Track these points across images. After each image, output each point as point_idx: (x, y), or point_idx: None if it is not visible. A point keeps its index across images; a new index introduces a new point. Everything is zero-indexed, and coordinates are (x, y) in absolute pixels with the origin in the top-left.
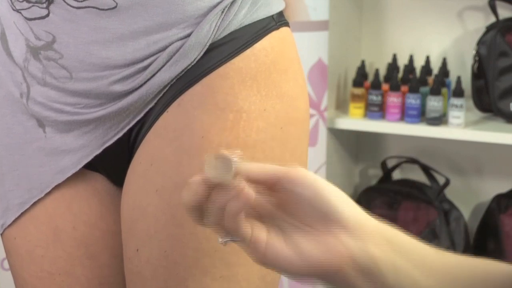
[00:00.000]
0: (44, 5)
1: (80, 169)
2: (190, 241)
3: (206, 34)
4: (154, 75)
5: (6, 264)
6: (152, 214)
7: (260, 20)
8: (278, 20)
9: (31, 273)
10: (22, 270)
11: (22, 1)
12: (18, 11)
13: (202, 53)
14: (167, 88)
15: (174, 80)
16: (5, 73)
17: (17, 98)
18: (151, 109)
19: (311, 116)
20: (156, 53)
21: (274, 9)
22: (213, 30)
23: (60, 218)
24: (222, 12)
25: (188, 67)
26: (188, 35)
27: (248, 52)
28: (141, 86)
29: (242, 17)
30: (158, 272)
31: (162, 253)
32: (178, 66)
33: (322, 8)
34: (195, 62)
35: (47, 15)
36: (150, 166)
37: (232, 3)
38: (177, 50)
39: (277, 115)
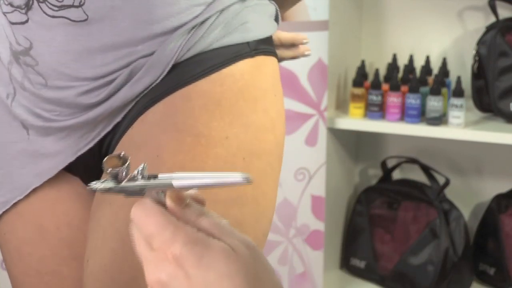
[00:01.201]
0: (24, 11)
1: (63, 173)
2: (130, 258)
3: (169, 53)
4: (118, 90)
5: None
6: (102, 226)
7: (232, 45)
8: (255, 48)
9: (20, 271)
10: (12, 266)
11: (7, 5)
12: (4, 14)
13: (165, 72)
14: (133, 103)
15: (140, 97)
16: None
17: (3, 98)
18: (119, 123)
19: (311, 116)
20: (121, 68)
21: (251, 36)
22: (177, 50)
23: (44, 217)
24: (189, 32)
25: (152, 85)
26: (152, 53)
27: (214, 76)
28: (106, 100)
29: (211, 39)
30: (96, 285)
31: (103, 266)
32: (141, 83)
33: (322, 8)
34: (158, 80)
35: (27, 21)
36: None
37: (200, 24)
38: (141, 67)
39: (239, 145)
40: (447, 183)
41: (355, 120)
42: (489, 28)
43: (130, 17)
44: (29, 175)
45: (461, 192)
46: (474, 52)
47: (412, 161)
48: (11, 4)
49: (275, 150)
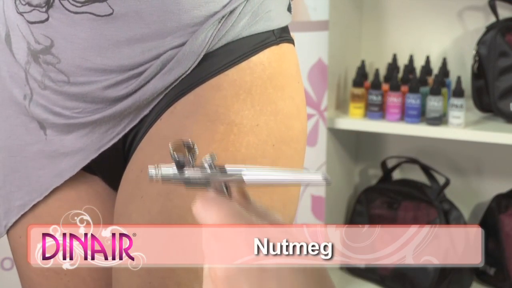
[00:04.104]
0: (44, 9)
1: (81, 172)
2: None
3: (201, 44)
4: (148, 82)
5: (6, 264)
6: (134, 220)
7: (259, 33)
8: (279, 36)
9: (37, 272)
10: (28, 269)
11: (25, 4)
12: (21, 14)
13: (196, 62)
14: (162, 96)
15: (169, 89)
16: (10, 74)
17: (20, 100)
18: (146, 116)
19: (311, 116)
20: (151, 60)
21: (275, 24)
22: (209, 40)
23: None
24: (219, 22)
25: (182, 76)
26: (183, 44)
27: (243, 64)
28: (134, 92)
29: (240, 28)
30: (132, 279)
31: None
32: (172, 74)
33: (322, 8)
34: (189, 71)
35: (47, 19)
36: (140, 172)
37: (230, 14)
38: (172, 59)
39: (269, 132)
40: (447, 183)
41: (355, 120)
42: (489, 28)
43: (157, 8)
44: (48, 176)
45: (461, 192)
46: (474, 52)
47: (412, 161)
48: (29, 4)
49: (301, 137)
